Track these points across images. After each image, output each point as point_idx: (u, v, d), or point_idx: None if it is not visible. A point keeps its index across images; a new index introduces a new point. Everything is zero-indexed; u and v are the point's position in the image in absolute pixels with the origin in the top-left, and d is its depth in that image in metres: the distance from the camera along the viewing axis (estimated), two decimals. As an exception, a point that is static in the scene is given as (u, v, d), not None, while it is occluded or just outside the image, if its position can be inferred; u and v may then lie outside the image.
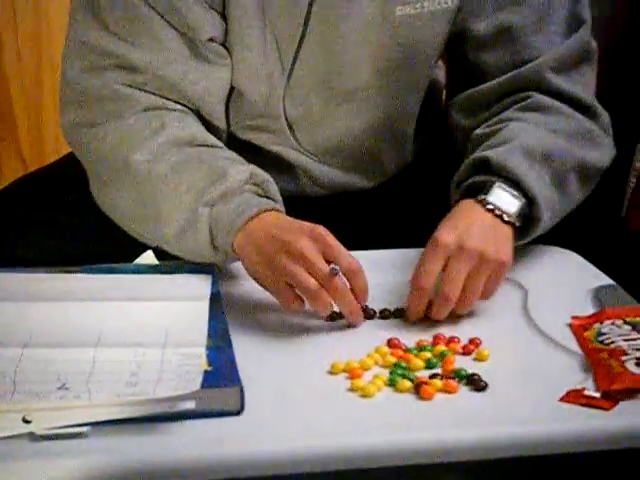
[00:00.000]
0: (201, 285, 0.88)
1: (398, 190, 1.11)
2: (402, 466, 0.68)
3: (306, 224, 0.86)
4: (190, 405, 0.68)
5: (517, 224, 0.89)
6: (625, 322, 0.82)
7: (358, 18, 0.98)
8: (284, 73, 1.00)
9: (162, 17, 0.95)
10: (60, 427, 0.66)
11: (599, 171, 0.98)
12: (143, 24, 0.94)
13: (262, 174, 0.93)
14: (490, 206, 0.88)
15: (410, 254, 0.98)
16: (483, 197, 0.88)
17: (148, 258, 0.94)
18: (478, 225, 0.86)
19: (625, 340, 0.79)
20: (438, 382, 0.75)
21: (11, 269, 0.89)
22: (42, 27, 1.54)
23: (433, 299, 0.85)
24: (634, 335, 0.79)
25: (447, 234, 0.85)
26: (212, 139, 0.97)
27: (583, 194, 0.98)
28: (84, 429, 0.66)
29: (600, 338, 0.80)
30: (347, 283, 0.85)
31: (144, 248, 0.95)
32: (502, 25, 1.00)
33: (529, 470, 0.70)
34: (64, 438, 0.66)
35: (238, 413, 0.70)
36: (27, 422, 0.66)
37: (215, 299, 0.87)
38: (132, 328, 0.80)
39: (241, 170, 0.91)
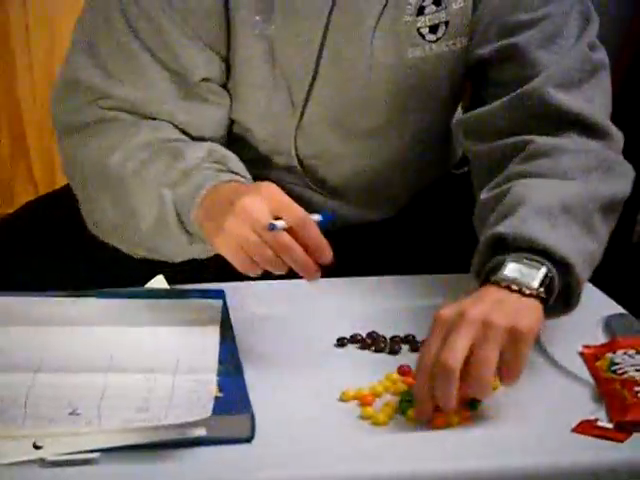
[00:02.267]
0: (212, 310, 0.88)
1: (407, 220, 1.10)
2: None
3: (258, 183, 0.84)
4: (201, 432, 0.68)
5: (542, 295, 0.79)
6: (637, 352, 0.81)
7: (369, 59, 0.98)
8: (295, 113, 1.00)
9: (153, 55, 0.95)
10: (70, 453, 0.66)
11: (622, 201, 0.93)
12: (133, 61, 0.94)
13: (220, 150, 0.92)
14: (504, 283, 0.78)
15: (417, 280, 0.98)
16: (494, 277, 0.79)
17: (159, 282, 0.94)
18: (487, 299, 0.77)
19: (637, 370, 0.78)
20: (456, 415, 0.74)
21: (23, 293, 0.89)
22: (55, 48, 1.55)
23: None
24: (646, 366, 0.79)
25: (447, 308, 0.76)
26: (187, 138, 0.96)
27: (610, 229, 0.91)
28: (94, 455, 0.66)
29: (613, 368, 0.79)
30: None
31: (154, 272, 0.95)
32: (506, 45, 0.96)
33: (541, 501, 0.69)
34: (74, 464, 0.66)
35: (249, 440, 0.70)
36: (38, 448, 0.66)
37: (226, 324, 0.87)
38: (143, 353, 0.80)
39: (198, 148, 0.91)
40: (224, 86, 0.99)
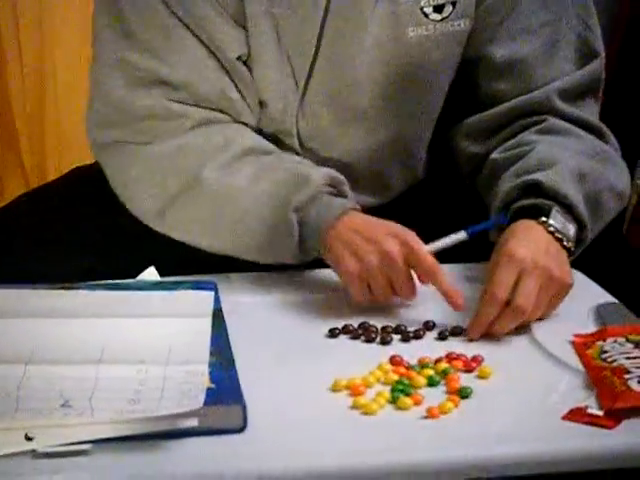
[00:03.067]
0: (203, 301, 0.88)
1: (404, 207, 1.11)
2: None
3: (393, 226, 0.91)
4: (193, 423, 0.68)
5: (572, 249, 0.91)
6: (627, 340, 0.82)
7: (370, 38, 0.98)
8: (298, 90, 1.01)
9: (195, 35, 0.96)
10: (62, 445, 0.66)
11: (623, 193, 1.00)
12: (177, 42, 0.96)
13: (338, 176, 0.97)
14: (552, 229, 0.90)
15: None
16: (544, 220, 0.90)
17: (150, 274, 0.94)
18: (546, 246, 0.88)
19: (627, 358, 0.79)
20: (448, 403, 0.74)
21: (13, 285, 0.89)
22: (45, 43, 1.54)
23: (502, 312, 0.85)
24: (636, 353, 0.79)
25: (522, 249, 0.86)
26: (270, 145, 1.00)
27: (611, 216, 0.99)
28: (86, 446, 0.66)
29: (603, 356, 0.80)
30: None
31: (146, 264, 0.95)
32: (516, 55, 1.02)
33: (532, 489, 0.70)
34: (66, 455, 0.66)
35: (240, 430, 0.70)
36: (29, 439, 0.66)
37: (217, 315, 0.87)
38: (135, 345, 0.79)
39: (322, 174, 0.95)
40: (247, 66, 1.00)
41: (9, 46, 1.54)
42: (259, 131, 1.04)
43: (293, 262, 0.96)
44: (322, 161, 1.05)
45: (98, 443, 0.66)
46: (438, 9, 0.99)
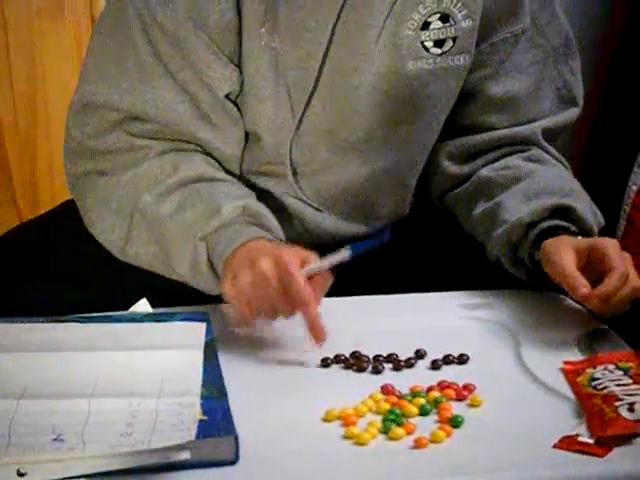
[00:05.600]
0: (195, 333, 0.89)
1: (396, 237, 1.12)
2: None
3: (285, 248, 0.90)
4: (185, 455, 0.68)
5: None
6: (617, 367, 0.82)
7: (370, 70, 0.99)
8: (294, 121, 1.01)
9: (175, 77, 0.97)
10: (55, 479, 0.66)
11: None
12: (155, 82, 0.97)
13: (255, 206, 0.97)
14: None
15: (400, 300, 0.99)
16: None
17: (142, 306, 0.94)
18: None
19: (618, 385, 0.79)
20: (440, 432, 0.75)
21: (3, 319, 0.89)
22: (37, 72, 1.55)
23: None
24: (626, 380, 0.80)
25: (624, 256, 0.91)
26: (220, 174, 1.00)
27: None
28: (80, 481, 0.66)
29: (593, 383, 0.80)
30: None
31: (139, 296, 0.95)
32: (509, 91, 1.05)
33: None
34: (60, 491, 0.66)
35: (233, 463, 0.70)
36: (21, 475, 0.66)
37: (209, 347, 0.87)
38: (127, 378, 0.80)
39: (235, 206, 0.95)
40: (234, 103, 1.01)
41: (0, 73, 1.55)
42: (249, 160, 1.05)
43: (218, 293, 0.94)
44: (315, 189, 1.06)
45: (91, 477, 0.67)
46: (439, 44, 1.00)
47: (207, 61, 0.97)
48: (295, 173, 1.05)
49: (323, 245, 1.08)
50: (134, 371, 0.80)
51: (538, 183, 1.00)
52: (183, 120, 0.98)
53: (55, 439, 0.69)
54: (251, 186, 1.06)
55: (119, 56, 0.97)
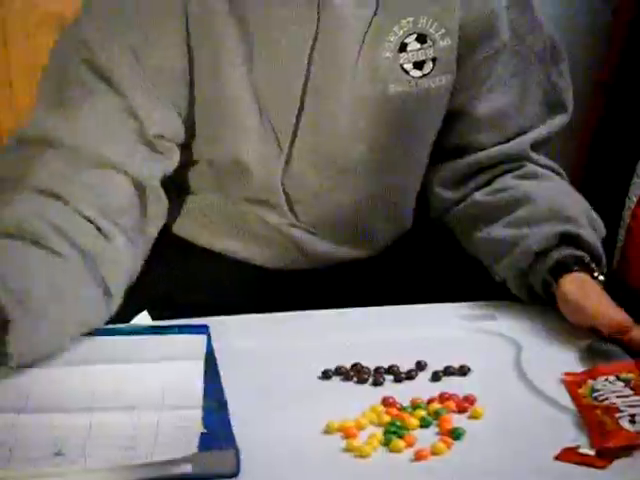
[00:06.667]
0: (196, 345, 0.89)
1: (390, 259, 1.11)
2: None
3: None
4: (186, 469, 0.68)
5: None
6: (618, 378, 0.82)
7: (350, 96, 0.99)
8: (282, 153, 1.01)
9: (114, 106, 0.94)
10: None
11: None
12: (94, 108, 0.94)
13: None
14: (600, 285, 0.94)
15: (400, 311, 0.99)
16: (595, 275, 0.94)
17: (143, 318, 0.94)
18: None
19: (619, 397, 0.79)
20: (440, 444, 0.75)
21: None
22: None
23: None
24: (627, 392, 0.80)
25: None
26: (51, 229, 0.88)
27: None
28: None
29: (594, 395, 0.80)
30: None
31: (140, 309, 0.95)
32: (494, 107, 1.04)
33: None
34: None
35: (233, 476, 0.70)
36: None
37: (209, 359, 0.87)
38: (128, 391, 0.80)
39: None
40: (183, 143, 0.99)
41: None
42: (236, 188, 1.03)
43: None
44: (310, 216, 1.05)
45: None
46: (418, 65, 1.00)
47: (139, 101, 0.94)
48: (288, 201, 1.04)
49: (321, 268, 1.09)
50: (135, 384, 0.80)
51: (538, 207, 0.99)
52: (122, 148, 0.94)
53: (56, 453, 0.69)
54: (244, 213, 1.06)
55: (61, 79, 0.95)
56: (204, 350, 0.88)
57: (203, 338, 0.90)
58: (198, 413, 0.75)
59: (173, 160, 0.99)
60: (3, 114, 1.63)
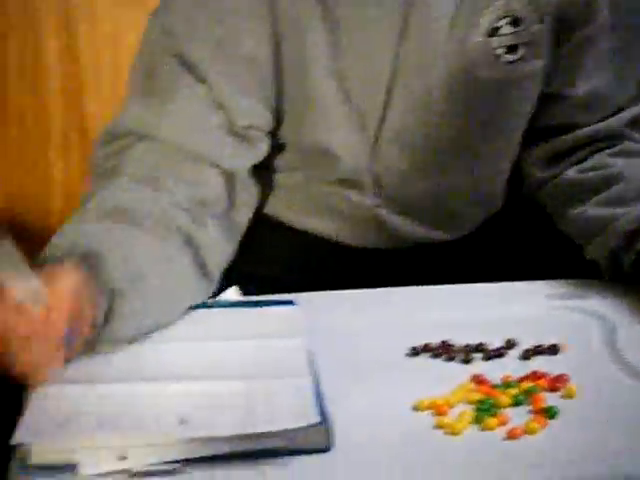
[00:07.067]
0: (293, 318, 0.89)
1: (478, 239, 1.10)
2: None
3: None
4: (280, 442, 0.68)
5: None
6: None
7: (439, 81, 0.98)
8: (369, 140, 1.00)
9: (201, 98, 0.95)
10: (156, 464, 0.67)
11: None
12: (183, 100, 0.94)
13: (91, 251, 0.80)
14: None
15: (489, 289, 0.98)
16: None
17: (233, 293, 0.95)
18: None
19: None
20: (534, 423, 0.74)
21: None
22: (121, 65, 1.56)
23: None
24: None
25: None
26: (133, 210, 0.88)
27: None
28: (180, 466, 0.67)
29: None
30: None
31: (228, 284, 0.96)
32: (594, 88, 1.02)
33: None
34: (160, 475, 0.67)
35: (325, 450, 0.70)
36: (123, 458, 0.67)
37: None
38: (236, 362, 0.80)
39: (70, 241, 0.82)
40: (271, 131, 1.00)
41: (88, 71, 1.57)
42: (322, 170, 1.03)
43: None
44: (397, 199, 1.04)
45: (193, 461, 0.67)
46: (511, 50, 0.98)
47: (227, 93, 0.94)
48: (376, 184, 1.04)
49: (407, 248, 1.08)
50: (242, 355, 0.80)
51: (632, 185, 0.97)
52: (212, 139, 0.94)
53: (181, 422, 0.69)
54: (329, 193, 1.06)
55: (149, 70, 0.96)
56: (302, 323, 0.88)
57: (298, 311, 0.90)
58: (309, 384, 0.75)
59: (263, 149, 1.00)
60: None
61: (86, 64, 1.56)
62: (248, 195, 0.99)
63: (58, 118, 1.58)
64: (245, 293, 0.96)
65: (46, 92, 1.56)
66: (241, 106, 0.96)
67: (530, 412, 0.77)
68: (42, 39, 1.54)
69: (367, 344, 0.89)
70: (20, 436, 0.66)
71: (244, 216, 0.98)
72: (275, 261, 1.09)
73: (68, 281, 0.74)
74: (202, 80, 0.95)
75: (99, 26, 1.56)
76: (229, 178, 0.96)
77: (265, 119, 0.99)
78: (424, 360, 0.86)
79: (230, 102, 0.95)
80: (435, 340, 0.88)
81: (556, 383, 0.80)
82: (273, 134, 1.02)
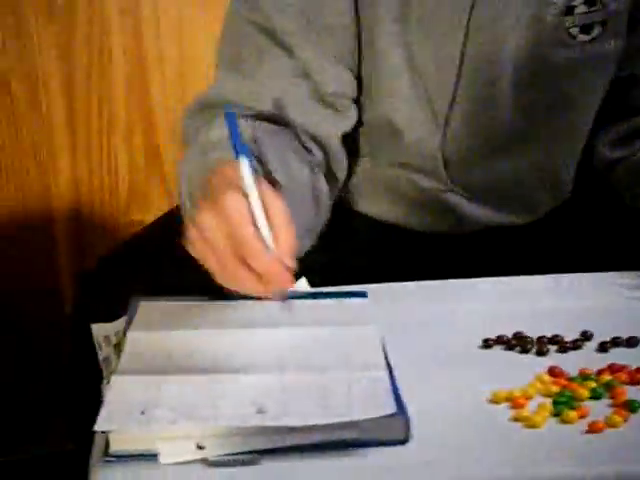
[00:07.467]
0: (365, 310, 0.88)
1: (548, 225, 1.08)
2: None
3: (225, 192, 0.73)
4: (356, 434, 0.68)
5: None
6: None
7: (511, 62, 0.96)
8: (438, 121, 0.99)
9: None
10: (233, 454, 0.67)
11: None
12: (273, 63, 0.95)
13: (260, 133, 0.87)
14: None
15: (563, 280, 0.96)
16: None
17: (301, 285, 0.94)
18: None
19: None
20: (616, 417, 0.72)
21: (187, 298, 0.89)
22: (185, 53, 1.57)
23: None
24: None
25: None
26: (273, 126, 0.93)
27: None
28: (257, 456, 0.67)
29: None
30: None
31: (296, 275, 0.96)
32: None
33: None
34: (236, 465, 0.67)
35: (403, 442, 0.70)
36: (201, 448, 0.67)
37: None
38: (310, 353, 0.79)
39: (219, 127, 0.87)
40: (356, 99, 0.99)
41: (151, 59, 1.58)
42: (390, 153, 1.02)
43: None
44: (466, 182, 1.03)
45: (270, 452, 0.67)
46: (586, 29, 0.95)
47: (312, 60, 0.95)
48: (446, 167, 1.02)
49: (475, 233, 1.07)
50: (315, 346, 0.80)
51: None
52: (301, 103, 0.95)
53: (258, 411, 0.69)
54: (396, 178, 1.05)
55: (240, 48, 0.97)
56: (375, 314, 0.87)
57: (368, 302, 0.89)
58: (385, 375, 0.74)
59: (352, 118, 0.99)
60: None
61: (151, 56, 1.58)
62: (338, 166, 0.99)
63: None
64: (311, 280, 0.96)
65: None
66: (328, 74, 0.96)
67: (609, 406, 0.75)
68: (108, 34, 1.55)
69: (439, 336, 0.88)
70: (101, 424, 0.67)
71: (334, 189, 0.99)
72: (342, 247, 1.08)
73: (279, 202, 0.74)
74: (288, 51, 0.95)
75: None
76: (324, 148, 0.97)
77: (352, 86, 0.98)
78: (498, 352, 0.85)
79: (316, 71, 0.95)
80: (508, 332, 0.87)
81: (636, 376, 0.78)
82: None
